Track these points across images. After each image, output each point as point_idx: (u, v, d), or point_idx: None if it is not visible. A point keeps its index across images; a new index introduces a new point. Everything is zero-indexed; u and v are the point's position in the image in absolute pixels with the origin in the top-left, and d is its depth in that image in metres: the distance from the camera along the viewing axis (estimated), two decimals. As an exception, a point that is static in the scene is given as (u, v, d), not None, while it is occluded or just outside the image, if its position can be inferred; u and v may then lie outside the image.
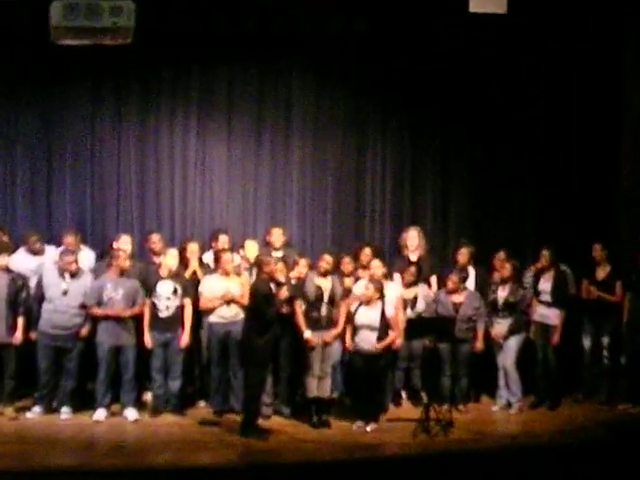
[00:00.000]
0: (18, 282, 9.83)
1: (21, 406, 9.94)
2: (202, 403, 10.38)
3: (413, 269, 10.58)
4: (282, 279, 9.64)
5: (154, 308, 9.97)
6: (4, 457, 8.43)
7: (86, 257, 10.50)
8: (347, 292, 10.13)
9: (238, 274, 10.18)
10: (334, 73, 11.81)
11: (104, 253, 10.72)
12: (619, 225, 11.60)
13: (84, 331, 9.83)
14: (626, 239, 11.33)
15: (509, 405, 10.50)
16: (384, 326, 9.62)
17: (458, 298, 10.49)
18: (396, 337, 9.86)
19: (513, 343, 10.44)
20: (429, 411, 9.49)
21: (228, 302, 9.97)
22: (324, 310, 9.89)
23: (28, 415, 9.79)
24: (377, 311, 9.64)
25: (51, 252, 10.39)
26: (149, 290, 9.98)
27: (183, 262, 10.38)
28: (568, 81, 11.77)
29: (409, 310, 10.41)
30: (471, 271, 10.87)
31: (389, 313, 9.76)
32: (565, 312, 10.57)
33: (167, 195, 11.62)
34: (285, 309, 9.79)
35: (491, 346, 10.54)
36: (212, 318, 10.04)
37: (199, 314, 10.16)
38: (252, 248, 10.71)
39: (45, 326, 9.75)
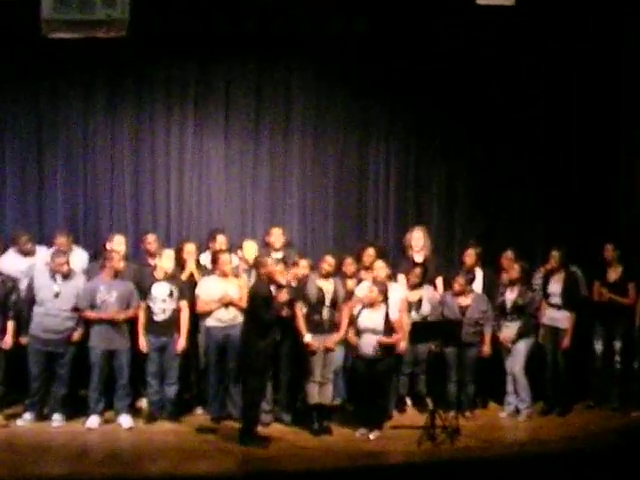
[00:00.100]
0: (8, 284, 9.79)
1: (11, 413, 9.90)
2: (199, 410, 10.31)
3: (418, 270, 10.53)
4: (282, 281, 9.58)
5: (149, 311, 9.93)
6: (-6, 466, 8.40)
7: (78, 258, 10.42)
8: (350, 294, 10.08)
9: (236, 276, 10.16)
10: (334, 72, 11.82)
11: (97, 254, 10.64)
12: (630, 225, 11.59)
13: (76, 335, 9.77)
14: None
15: (517, 412, 10.43)
16: (388, 330, 9.58)
17: (465, 301, 10.43)
18: (400, 340, 9.83)
19: (522, 347, 10.37)
20: (435, 418, 9.44)
21: (226, 305, 9.92)
22: (326, 313, 9.88)
23: (18, 422, 9.73)
24: (381, 314, 9.60)
25: (42, 253, 10.31)
26: (144, 292, 9.94)
27: (179, 263, 10.34)
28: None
29: (414, 313, 10.38)
30: (478, 273, 10.83)
31: (393, 316, 9.70)
32: (576, 315, 10.51)
33: (163, 194, 11.55)
34: (285, 312, 9.74)
35: (499, 350, 10.49)
36: (209, 322, 9.99)
37: (196, 317, 10.13)
38: (251, 249, 10.65)
39: (36, 330, 9.69)
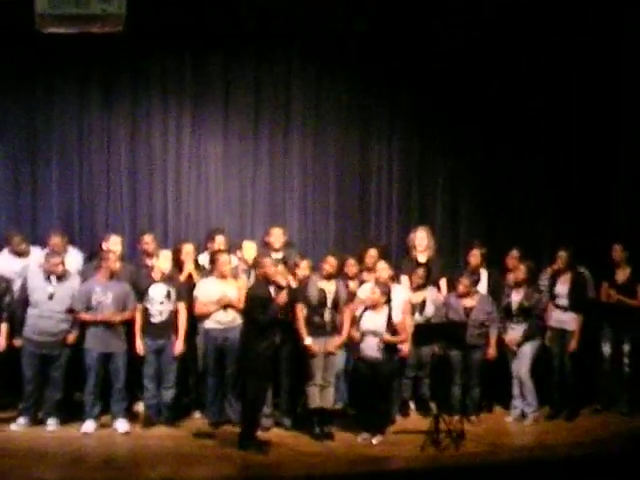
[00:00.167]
0: (1, 285, 9.76)
1: (5, 417, 9.85)
2: (197, 414, 10.26)
3: (422, 271, 10.48)
4: (282, 282, 9.54)
5: (146, 313, 9.88)
6: (-13, 471, 8.41)
7: (73, 259, 10.38)
8: (352, 296, 10.04)
9: (235, 277, 10.11)
10: (334, 72, 11.87)
11: (93, 255, 10.60)
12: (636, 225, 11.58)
13: (71, 337, 9.72)
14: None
15: (524, 416, 10.37)
16: (391, 332, 9.55)
17: (469, 302, 10.38)
18: (403, 342, 9.80)
19: (528, 350, 10.30)
20: (439, 422, 9.37)
21: (225, 307, 9.87)
22: (327, 315, 9.83)
23: (12, 427, 9.68)
24: (383, 316, 9.56)
25: (36, 253, 10.27)
26: (141, 294, 9.89)
27: (177, 264, 10.29)
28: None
29: (417, 315, 10.33)
30: (483, 273, 10.80)
31: (396, 318, 9.66)
32: (583, 317, 10.45)
33: (160, 193, 11.50)
34: (283, 314, 9.66)
35: (504, 353, 10.44)
36: (208, 324, 9.95)
37: (194, 319, 10.06)
38: (250, 249, 10.61)
39: (30, 332, 9.65)
